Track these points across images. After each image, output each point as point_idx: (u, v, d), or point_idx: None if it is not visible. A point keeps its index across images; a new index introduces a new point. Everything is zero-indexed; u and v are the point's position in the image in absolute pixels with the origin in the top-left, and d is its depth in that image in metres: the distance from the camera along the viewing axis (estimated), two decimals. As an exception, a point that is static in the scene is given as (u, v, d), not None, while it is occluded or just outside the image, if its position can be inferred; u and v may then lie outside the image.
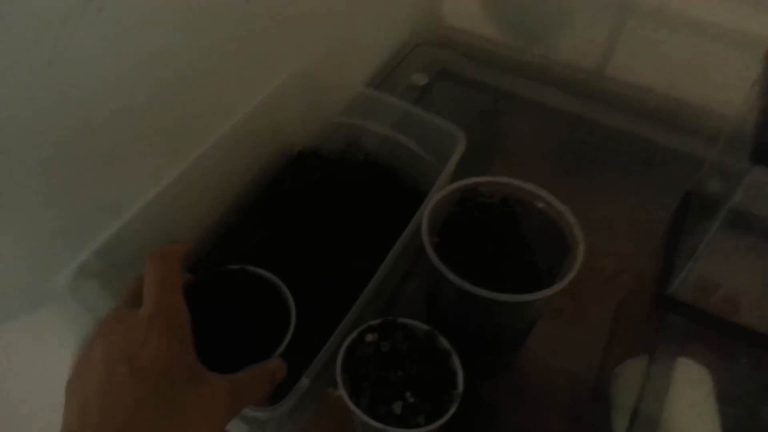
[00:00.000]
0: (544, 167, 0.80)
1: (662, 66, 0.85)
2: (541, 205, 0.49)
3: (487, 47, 0.94)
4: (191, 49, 0.48)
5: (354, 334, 0.44)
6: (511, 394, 0.58)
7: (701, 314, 0.56)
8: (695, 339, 0.57)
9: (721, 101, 0.80)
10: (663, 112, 0.86)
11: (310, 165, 0.66)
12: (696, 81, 0.83)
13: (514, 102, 0.87)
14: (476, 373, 0.56)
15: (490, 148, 0.83)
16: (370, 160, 0.67)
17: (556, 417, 0.56)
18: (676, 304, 0.56)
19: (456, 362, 0.43)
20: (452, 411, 0.40)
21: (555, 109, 0.86)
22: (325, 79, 0.66)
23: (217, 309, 0.42)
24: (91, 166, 0.43)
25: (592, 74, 0.91)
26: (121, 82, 0.43)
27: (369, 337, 0.44)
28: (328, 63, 0.72)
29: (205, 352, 0.40)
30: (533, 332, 0.55)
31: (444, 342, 0.44)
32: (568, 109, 0.86)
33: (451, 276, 0.44)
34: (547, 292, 0.43)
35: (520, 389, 0.58)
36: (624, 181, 0.78)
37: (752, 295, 0.59)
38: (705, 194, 0.63)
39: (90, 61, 0.39)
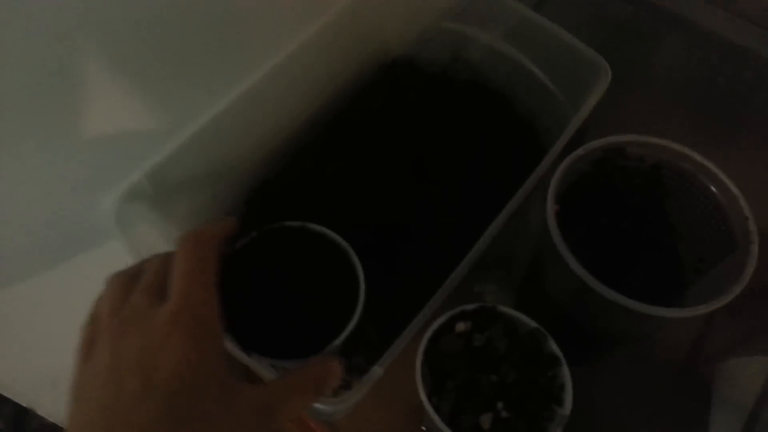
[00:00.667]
0: (690, 108, 0.65)
1: None
2: (702, 177, 0.37)
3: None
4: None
5: (442, 319, 0.35)
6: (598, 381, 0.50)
7: None
8: None
9: None
10: None
11: (405, 80, 0.55)
12: None
13: (658, 16, 0.70)
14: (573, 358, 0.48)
15: (622, 75, 0.68)
16: (479, 80, 0.55)
17: (647, 406, 0.48)
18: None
19: (565, 373, 0.34)
20: (554, 439, 0.33)
21: (709, 32, 0.69)
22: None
23: (268, 280, 0.35)
24: (157, 67, 0.35)
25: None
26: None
27: (460, 326, 0.35)
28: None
29: (252, 332, 0.33)
30: None
31: (553, 346, 0.35)
32: (724, 32, 0.69)
33: (573, 263, 0.34)
34: (701, 309, 0.32)
35: (619, 374, 0.50)
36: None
37: None
38: None
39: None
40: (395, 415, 0.47)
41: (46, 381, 0.42)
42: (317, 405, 0.33)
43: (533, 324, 0.36)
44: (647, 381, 0.49)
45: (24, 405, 0.53)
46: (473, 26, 0.54)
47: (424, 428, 0.45)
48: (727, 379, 0.49)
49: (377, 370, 0.34)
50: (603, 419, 0.48)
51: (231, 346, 0.33)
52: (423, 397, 0.33)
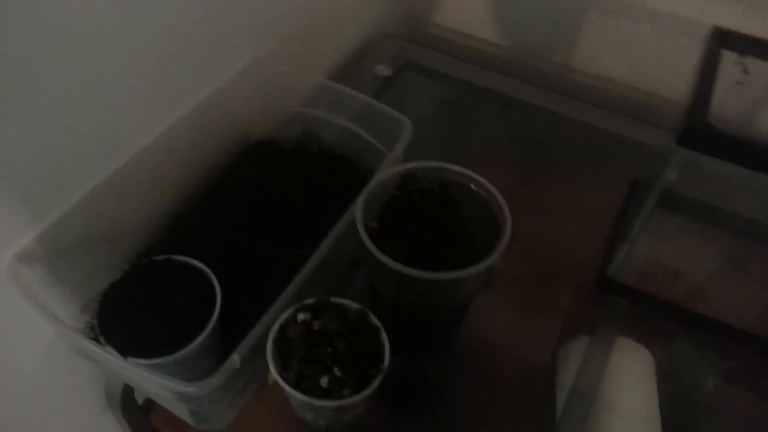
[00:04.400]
0: (506, 156, 0.82)
1: (626, 57, 0.86)
2: (473, 186, 0.51)
3: (454, 39, 0.95)
4: (142, 30, 0.49)
5: (287, 314, 0.45)
6: (460, 376, 0.59)
7: (640, 295, 0.57)
8: (636, 320, 0.59)
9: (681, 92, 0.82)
10: (628, 103, 0.87)
11: (265, 154, 0.67)
12: (659, 72, 0.85)
13: (478, 94, 0.88)
14: (419, 354, 0.58)
15: (452, 140, 0.84)
16: (325, 150, 0.68)
17: (504, 398, 0.58)
18: (615, 285, 0.58)
19: (384, 338, 0.44)
20: (376, 384, 0.42)
21: (519, 101, 0.87)
22: (285, 70, 0.67)
23: (141, 301, 0.44)
24: (39, 145, 0.44)
25: (558, 66, 0.92)
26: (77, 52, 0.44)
27: (301, 317, 0.45)
28: (289, 53, 0.73)
29: (128, 342, 0.42)
30: (488, 318, 0.58)
31: (374, 319, 0.45)
32: (531, 100, 0.87)
33: (381, 256, 0.45)
34: (471, 270, 0.44)
35: (471, 372, 0.60)
36: (586, 171, 0.79)
37: (691, 276, 0.60)
38: (649, 181, 0.64)
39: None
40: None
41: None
42: (186, 387, 0.40)
43: (357, 306, 0.46)
44: (507, 373, 0.59)
45: None
46: (322, 110, 0.68)
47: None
48: (562, 362, 0.59)
49: (235, 358, 0.43)
50: (457, 408, 0.57)
51: (112, 353, 0.42)
52: (273, 371, 0.42)
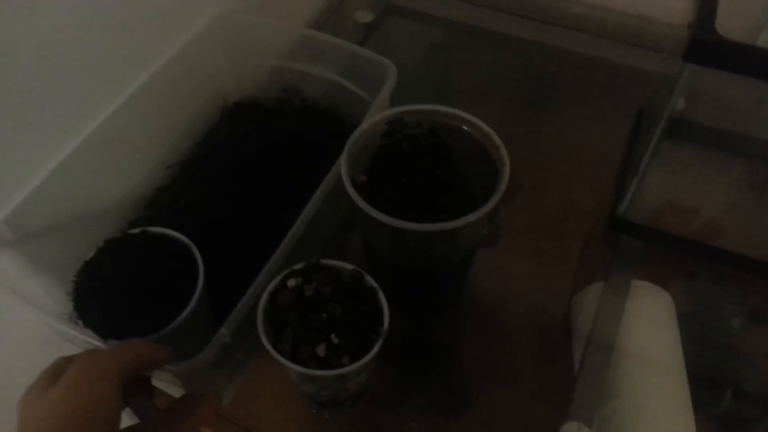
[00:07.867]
0: (502, 97, 0.77)
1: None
2: (466, 128, 0.47)
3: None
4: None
5: (276, 281, 0.42)
6: (470, 333, 0.56)
7: (654, 233, 0.54)
8: (652, 260, 0.55)
9: (678, 14, 0.76)
10: (625, 30, 0.81)
11: (245, 115, 0.63)
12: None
13: (467, 33, 0.83)
14: (424, 313, 0.55)
15: (444, 83, 0.79)
16: (308, 105, 0.64)
17: (518, 353, 0.55)
18: (627, 225, 0.54)
19: (382, 299, 0.41)
20: (377, 348, 0.39)
21: (510, 37, 0.82)
22: (258, 21, 0.63)
23: (117, 278, 0.41)
24: None
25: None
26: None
27: (291, 283, 0.42)
28: (261, 3, 0.68)
29: (109, 323, 0.39)
30: (497, 270, 0.55)
31: (370, 280, 0.42)
32: (523, 35, 0.82)
33: (371, 211, 0.41)
34: (470, 218, 0.40)
35: (481, 328, 0.57)
36: (589, 106, 0.75)
37: (707, 208, 0.56)
38: (655, 110, 0.60)
39: None
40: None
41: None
42: (173, 367, 0.38)
43: (351, 267, 0.43)
44: (521, 328, 0.56)
45: None
46: (303, 63, 0.64)
47: (314, 411, 0.50)
48: (577, 311, 0.56)
49: (224, 332, 0.40)
50: (473, 366, 0.54)
51: (90, 335, 0.39)
52: (265, 342, 0.39)
